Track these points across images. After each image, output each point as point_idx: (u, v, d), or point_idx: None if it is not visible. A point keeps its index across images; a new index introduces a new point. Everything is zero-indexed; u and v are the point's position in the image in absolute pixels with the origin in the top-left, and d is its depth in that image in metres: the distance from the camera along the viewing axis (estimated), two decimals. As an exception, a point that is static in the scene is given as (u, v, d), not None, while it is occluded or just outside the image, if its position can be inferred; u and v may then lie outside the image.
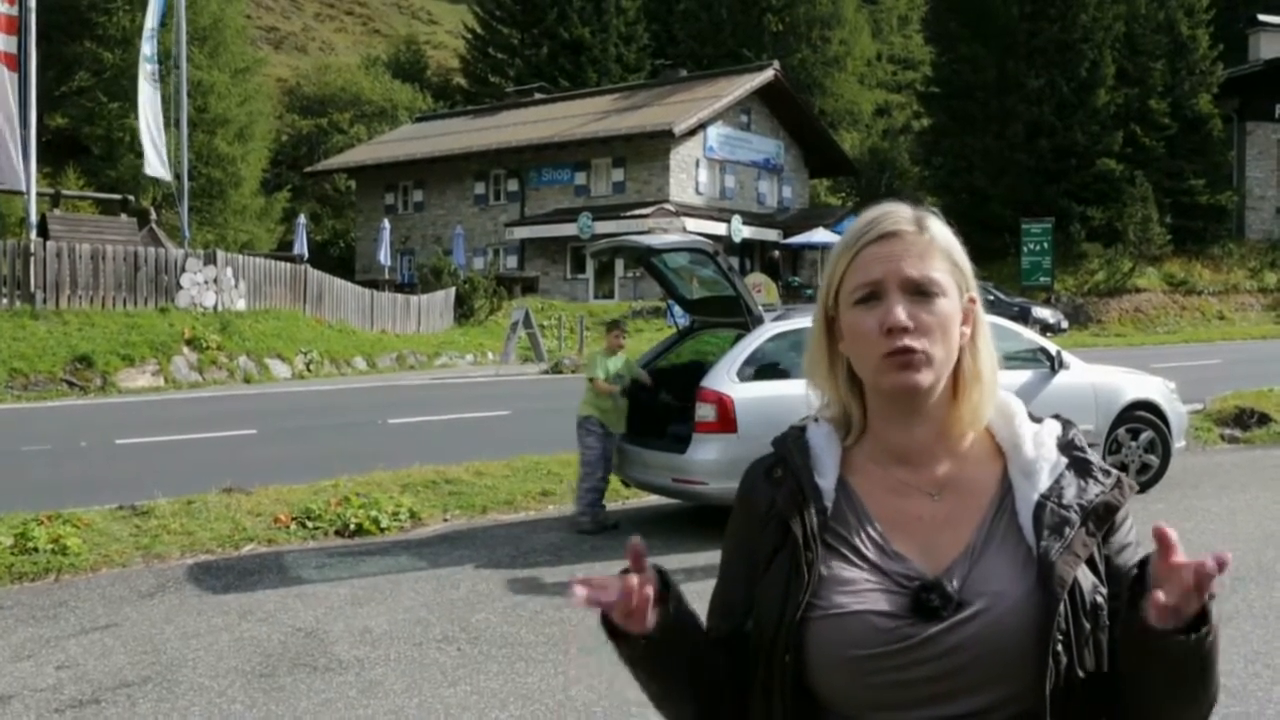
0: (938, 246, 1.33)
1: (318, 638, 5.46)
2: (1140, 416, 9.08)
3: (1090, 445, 1.38)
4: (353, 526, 7.77)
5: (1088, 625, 1.23)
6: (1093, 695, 1.23)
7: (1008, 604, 1.22)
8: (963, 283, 1.34)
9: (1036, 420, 1.37)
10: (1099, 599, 1.25)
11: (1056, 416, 1.40)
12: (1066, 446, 1.34)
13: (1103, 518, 1.28)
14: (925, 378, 1.28)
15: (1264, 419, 12.01)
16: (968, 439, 1.35)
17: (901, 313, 1.28)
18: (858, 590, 1.26)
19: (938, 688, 1.22)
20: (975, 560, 1.26)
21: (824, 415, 1.41)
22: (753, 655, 1.32)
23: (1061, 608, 1.21)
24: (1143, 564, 1.20)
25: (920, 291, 1.29)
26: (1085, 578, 1.25)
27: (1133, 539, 1.32)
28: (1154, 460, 9.07)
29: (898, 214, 1.35)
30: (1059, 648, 1.21)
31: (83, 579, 6.63)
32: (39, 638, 5.50)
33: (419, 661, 5.08)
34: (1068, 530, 1.25)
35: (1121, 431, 8.99)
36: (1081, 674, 1.22)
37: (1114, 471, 1.33)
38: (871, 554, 1.29)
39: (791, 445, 1.40)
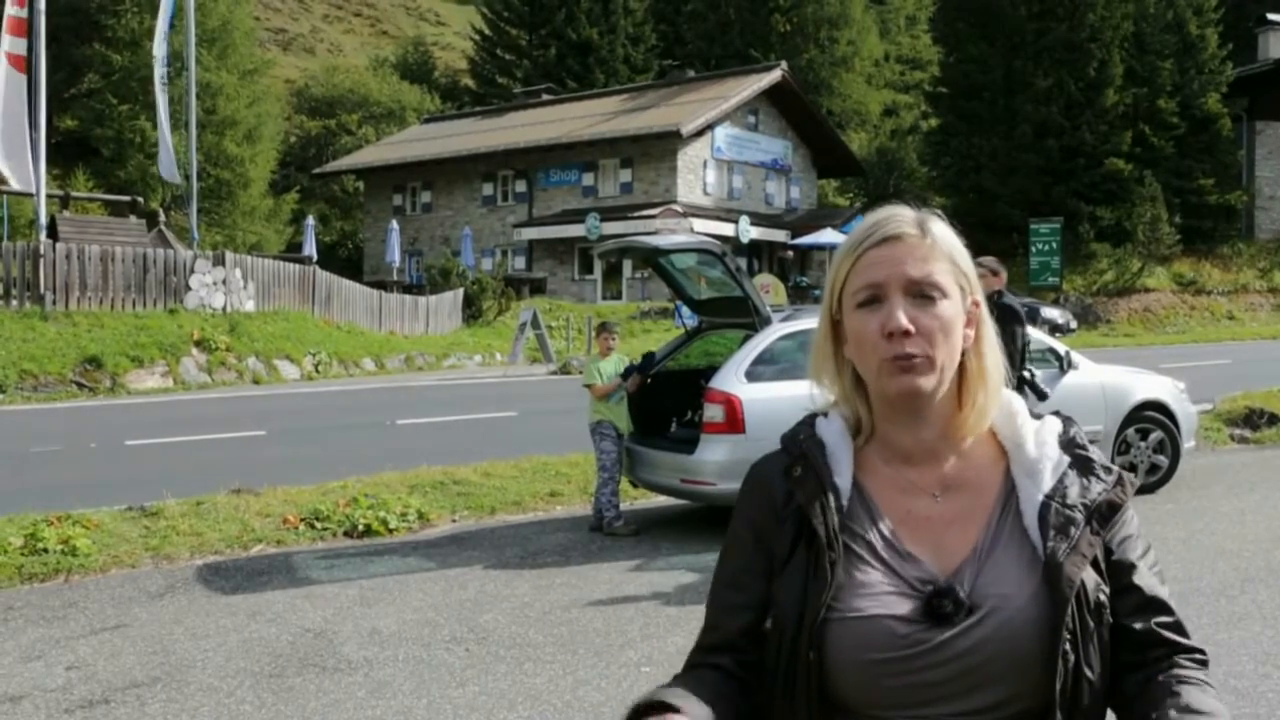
0: (941, 249, 1.33)
1: (326, 638, 5.47)
2: (1149, 417, 9.05)
3: (1093, 442, 1.38)
4: (361, 527, 7.78)
5: (1092, 624, 1.25)
6: (1097, 692, 1.27)
7: (1015, 605, 1.24)
8: (966, 285, 1.34)
9: (1036, 418, 1.38)
10: (1101, 597, 1.28)
11: (1056, 413, 1.40)
12: (1068, 444, 1.35)
13: (1106, 517, 1.30)
14: (926, 382, 1.29)
15: (1274, 419, 11.97)
16: (971, 439, 1.36)
17: (902, 316, 1.28)
18: (875, 594, 1.27)
19: (951, 688, 1.24)
20: (983, 562, 1.28)
21: (835, 410, 1.41)
22: (772, 653, 1.32)
23: (1070, 606, 1.23)
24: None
25: (922, 294, 1.30)
26: (1089, 577, 1.27)
27: (1132, 530, 1.34)
28: (1163, 460, 9.05)
29: (901, 217, 1.35)
30: (1066, 647, 1.23)
31: (92, 580, 6.64)
32: (49, 638, 5.51)
33: (427, 662, 5.09)
34: (1073, 530, 1.27)
35: (1131, 432, 8.97)
36: (1090, 673, 1.24)
37: (1114, 468, 1.34)
38: (885, 555, 1.30)
39: (808, 442, 1.39)
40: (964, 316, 1.33)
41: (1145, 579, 1.32)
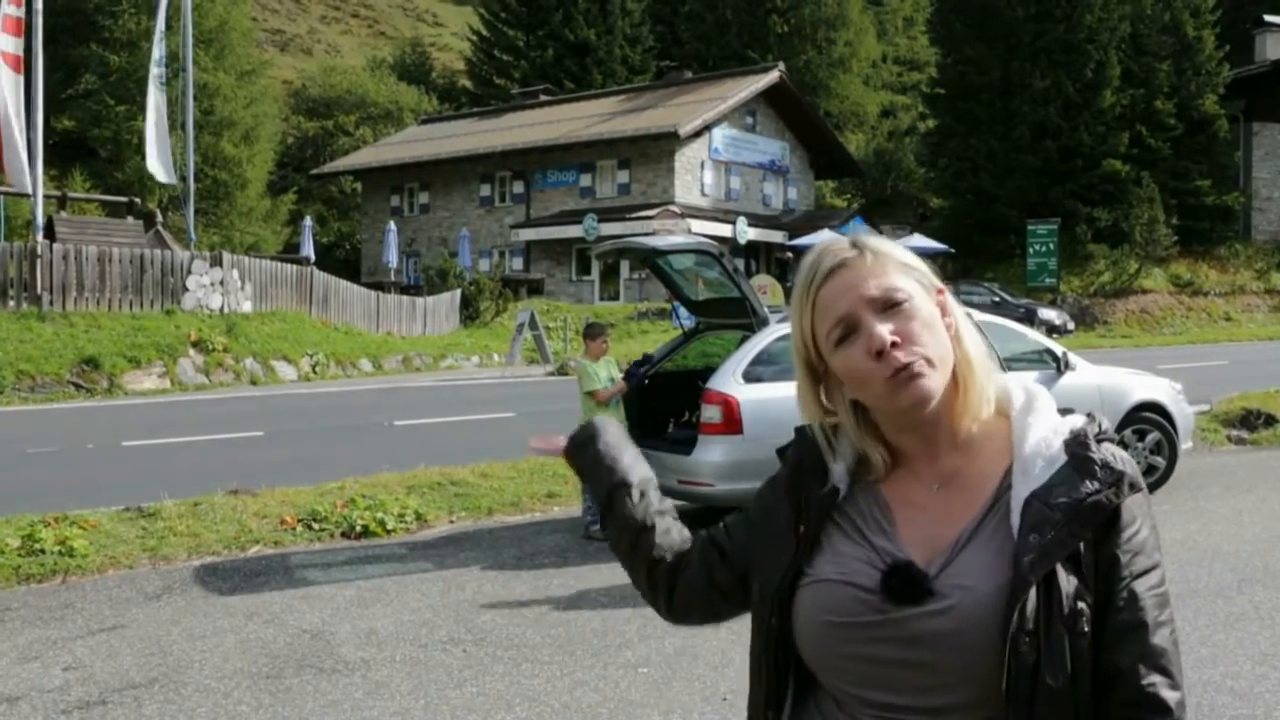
0: (884, 260, 1.33)
1: (324, 639, 5.47)
2: (1146, 418, 9.05)
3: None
4: (358, 528, 7.77)
5: (1062, 629, 1.19)
6: (1064, 704, 1.20)
7: (976, 597, 1.22)
8: (924, 280, 1.34)
9: (1065, 413, 1.34)
10: (1081, 605, 1.21)
11: (1089, 415, 1.35)
12: (1073, 442, 1.29)
13: (1090, 518, 1.24)
14: (934, 382, 1.28)
15: (1270, 420, 11.98)
16: (974, 428, 1.34)
17: (884, 331, 1.27)
18: (845, 562, 1.31)
19: (906, 674, 1.25)
20: (957, 552, 1.27)
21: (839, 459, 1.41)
22: (754, 619, 1.41)
23: (1030, 606, 1.19)
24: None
25: (889, 304, 1.29)
26: (1067, 581, 1.21)
27: (1136, 547, 1.26)
28: (1160, 462, 9.05)
29: (834, 246, 1.36)
30: (1023, 647, 1.18)
31: (89, 581, 6.64)
32: (46, 639, 5.51)
33: (425, 663, 5.09)
34: (1047, 529, 1.22)
35: (1128, 433, 8.97)
36: (1051, 681, 1.18)
37: (1120, 471, 1.27)
38: (868, 532, 1.33)
39: (809, 431, 1.44)
40: (937, 309, 1.33)
41: (1129, 602, 1.24)
